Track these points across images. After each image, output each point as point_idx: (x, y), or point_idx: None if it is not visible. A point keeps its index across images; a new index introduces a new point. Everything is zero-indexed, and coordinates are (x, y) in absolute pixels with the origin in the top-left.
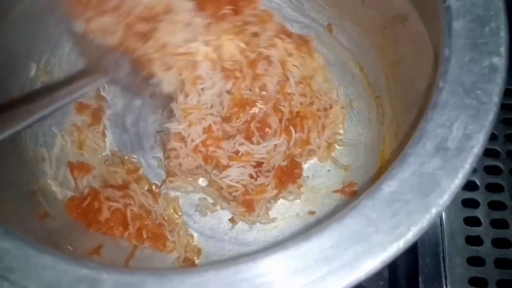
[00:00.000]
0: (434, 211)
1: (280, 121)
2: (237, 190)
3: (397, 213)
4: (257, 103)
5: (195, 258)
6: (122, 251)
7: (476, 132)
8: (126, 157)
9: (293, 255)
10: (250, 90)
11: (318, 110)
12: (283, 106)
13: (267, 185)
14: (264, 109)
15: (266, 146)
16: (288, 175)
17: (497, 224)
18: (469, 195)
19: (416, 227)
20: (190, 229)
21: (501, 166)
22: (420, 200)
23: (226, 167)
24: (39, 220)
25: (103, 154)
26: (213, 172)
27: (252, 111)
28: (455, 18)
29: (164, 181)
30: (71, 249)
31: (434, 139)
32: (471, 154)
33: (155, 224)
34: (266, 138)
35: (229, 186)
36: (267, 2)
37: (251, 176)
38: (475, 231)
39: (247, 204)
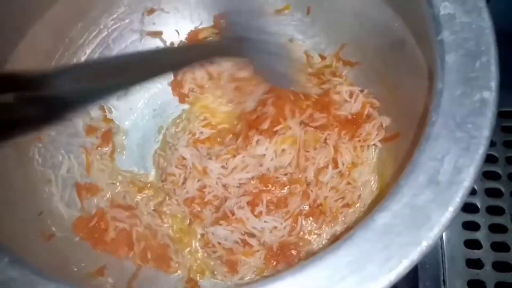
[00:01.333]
0: (425, 244)
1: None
2: (215, 252)
3: (389, 245)
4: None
5: (198, 278)
6: (126, 272)
7: (466, 165)
8: (136, 177)
9: (288, 284)
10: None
11: (343, 206)
12: (311, 191)
13: (257, 250)
14: (291, 189)
15: (266, 222)
16: (280, 255)
17: (498, 247)
18: (469, 217)
19: (407, 259)
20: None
21: (502, 188)
22: (412, 232)
23: (215, 223)
24: (45, 241)
25: (112, 175)
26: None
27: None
28: (448, 52)
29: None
30: (75, 270)
31: (426, 172)
32: (461, 187)
33: (160, 244)
34: (270, 213)
35: (213, 245)
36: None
37: (236, 242)
38: (475, 254)
39: (230, 265)
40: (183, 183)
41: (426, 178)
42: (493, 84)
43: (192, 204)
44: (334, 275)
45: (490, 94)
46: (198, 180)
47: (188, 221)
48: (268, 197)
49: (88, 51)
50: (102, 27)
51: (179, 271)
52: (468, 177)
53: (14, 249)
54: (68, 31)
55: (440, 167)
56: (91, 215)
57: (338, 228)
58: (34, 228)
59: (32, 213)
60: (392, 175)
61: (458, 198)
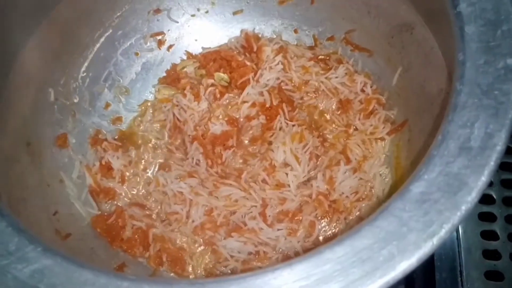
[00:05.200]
0: (463, 208)
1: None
2: (227, 266)
3: (428, 212)
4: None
5: None
6: (145, 269)
7: (497, 130)
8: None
9: (329, 259)
10: None
11: (357, 200)
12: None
13: (271, 257)
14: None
15: (280, 230)
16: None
17: None
18: (486, 208)
19: (448, 224)
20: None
21: None
22: (449, 198)
23: (227, 237)
24: (61, 240)
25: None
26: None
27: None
28: (467, 23)
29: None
30: None
31: (457, 140)
32: (494, 151)
33: (176, 247)
34: (283, 221)
35: (225, 259)
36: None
37: (250, 253)
38: (492, 245)
39: None
40: (187, 217)
41: (457, 145)
42: None
43: (204, 231)
44: (373, 246)
45: None
46: (203, 205)
47: (199, 249)
48: (280, 208)
49: (95, 50)
50: (106, 25)
51: (192, 275)
52: (500, 141)
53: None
54: (73, 30)
55: (471, 134)
56: (110, 212)
57: (353, 224)
58: (50, 228)
59: (47, 214)
60: (411, 164)
61: (492, 161)
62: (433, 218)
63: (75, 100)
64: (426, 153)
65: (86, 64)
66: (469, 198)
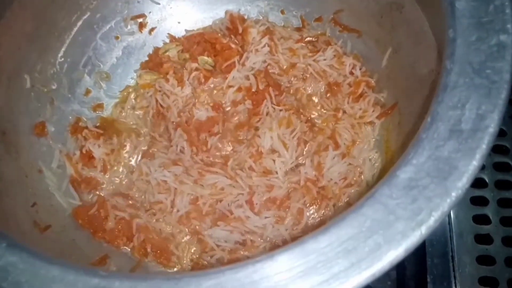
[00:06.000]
0: (454, 194)
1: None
2: (213, 255)
3: (416, 199)
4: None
5: None
6: (129, 261)
7: (489, 111)
8: None
9: (313, 249)
10: None
11: (346, 186)
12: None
13: (258, 245)
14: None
15: (267, 218)
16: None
17: (507, 222)
18: (478, 192)
19: (437, 212)
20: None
21: (511, 163)
22: (439, 184)
23: (213, 225)
24: (40, 232)
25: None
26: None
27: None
28: None
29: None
30: (74, 261)
31: (447, 122)
32: (486, 133)
33: (161, 238)
34: (271, 209)
35: (211, 248)
36: None
37: (237, 242)
38: (484, 229)
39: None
40: (172, 206)
41: (447, 128)
42: (510, 26)
43: (189, 221)
44: (359, 235)
45: (507, 37)
46: (188, 194)
47: (185, 238)
48: (268, 195)
49: (72, 34)
50: (84, 8)
51: (178, 266)
52: (492, 123)
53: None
54: (48, 12)
55: (462, 116)
56: (92, 202)
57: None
58: (28, 219)
59: (25, 205)
60: (401, 147)
61: (484, 144)
62: (421, 206)
63: (53, 87)
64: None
65: (63, 49)
66: (460, 184)
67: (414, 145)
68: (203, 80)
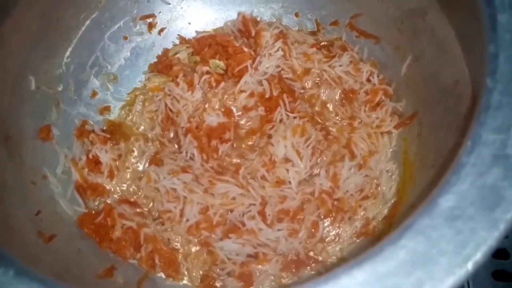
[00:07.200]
0: (502, 226)
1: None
2: (224, 269)
3: (461, 231)
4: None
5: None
6: (136, 272)
7: None
8: None
9: (346, 285)
10: None
11: (363, 199)
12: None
13: (271, 259)
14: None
15: (280, 231)
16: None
17: None
18: None
19: (484, 246)
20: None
21: None
22: (485, 215)
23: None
24: (45, 242)
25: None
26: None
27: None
28: (500, 11)
29: None
30: (81, 273)
31: (491, 146)
32: None
33: (169, 248)
34: (284, 221)
35: (222, 261)
36: None
37: (249, 255)
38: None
39: (244, 278)
40: (181, 215)
41: (491, 153)
42: None
43: (199, 231)
44: (398, 270)
45: None
46: (197, 203)
47: (194, 249)
48: (280, 206)
49: (79, 33)
50: (92, 7)
51: (187, 278)
52: None
53: (14, 253)
54: (55, 11)
55: (507, 140)
56: (98, 210)
57: (358, 224)
58: (32, 229)
59: (29, 213)
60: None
61: None
62: (467, 239)
63: (59, 89)
64: (439, 151)
65: (70, 49)
66: (509, 216)
67: (454, 170)
68: (214, 84)
